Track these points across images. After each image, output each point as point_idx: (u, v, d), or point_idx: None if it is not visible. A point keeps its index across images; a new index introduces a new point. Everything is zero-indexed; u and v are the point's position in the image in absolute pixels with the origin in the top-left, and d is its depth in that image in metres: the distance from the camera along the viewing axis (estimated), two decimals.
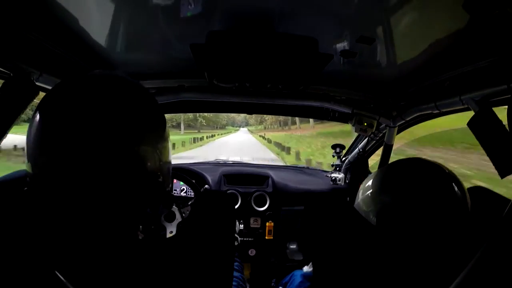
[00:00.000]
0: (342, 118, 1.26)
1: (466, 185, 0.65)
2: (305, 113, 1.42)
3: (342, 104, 1.13)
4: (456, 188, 0.62)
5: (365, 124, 1.16)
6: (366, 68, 0.87)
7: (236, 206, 1.55)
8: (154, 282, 0.41)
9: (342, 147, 1.67)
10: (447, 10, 0.52)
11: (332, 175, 1.67)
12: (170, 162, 0.52)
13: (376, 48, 0.70)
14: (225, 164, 1.93)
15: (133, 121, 0.43)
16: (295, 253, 1.57)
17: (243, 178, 1.65)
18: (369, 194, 0.70)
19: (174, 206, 1.16)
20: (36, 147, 0.41)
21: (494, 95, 0.64)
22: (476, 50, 0.64)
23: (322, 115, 1.30)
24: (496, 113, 0.64)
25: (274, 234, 1.57)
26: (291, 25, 0.63)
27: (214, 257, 0.49)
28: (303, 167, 2.10)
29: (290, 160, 12.82)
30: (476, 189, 0.70)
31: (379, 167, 1.32)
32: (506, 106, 0.57)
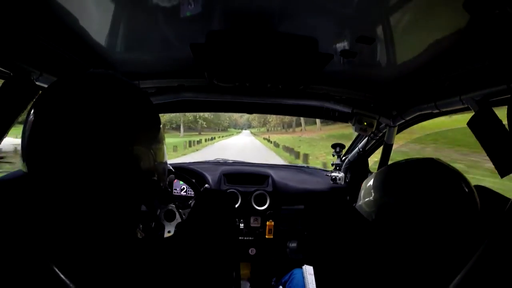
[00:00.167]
0: (342, 117, 1.26)
1: None
2: (305, 113, 1.42)
3: (342, 103, 1.13)
4: (466, 189, 0.59)
5: (365, 123, 1.17)
6: (366, 68, 0.87)
7: (236, 205, 1.55)
8: (150, 281, 0.42)
9: (342, 146, 1.67)
10: (447, 9, 0.52)
11: (332, 174, 1.67)
12: (165, 162, 0.52)
13: (376, 48, 0.70)
14: (225, 163, 1.93)
15: (127, 121, 0.43)
16: (295, 252, 1.58)
17: (243, 178, 1.65)
18: (372, 195, 0.69)
19: (172, 205, 1.16)
20: (31, 147, 0.41)
21: (494, 95, 0.64)
22: (476, 50, 0.64)
23: (322, 115, 1.30)
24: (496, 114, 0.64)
25: (274, 233, 1.57)
26: (291, 25, 0.63)
27: (213, 257, 0.50)
28: (303, 166, 2.10)
29: None
30: (477, 189, 0.70)
31: (379, 167, 1.32)
32: (505, 106, 0.57)
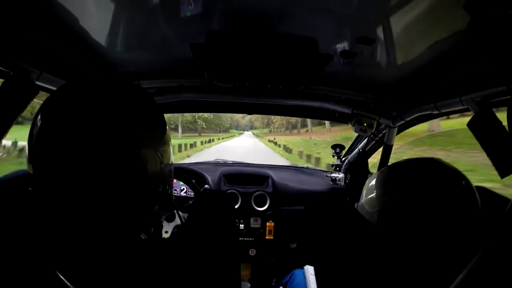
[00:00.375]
0: (342, 118, 1.26)
1: None
2: (305, 113, 1.42)
3: (342, 104, 1.13)
4: (467, 188, 0.60)
5: (365, 124, 1.17)
6: (366, 69, 0.87)
7: (236, 206, 1.55)
8: (152, 282, 0.41)
9: (342, 147, 1.67)
10: (447, 10, 0.52)
11: (332, 175, 1.67)
12: (171, 164, 0.53)
13: (376, 49, 0.70)
14: (225, 164, 1.93)
15: (135, 125, 0.44)
16: (296, 253, 1.57)
17: (243, 178, 1.65)
18: (374, 195, 0.69)
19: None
20: (38, 150, 0.41)
21: (494, 96, 0.64)
22: (476, 51, 0.64)
23: (322, 116, 1.30)
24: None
25: (275, 234, 1.57)
26: (291, 25, 0.63)
27: (213, 258, 0.49)
28: (303, 167, 2.10)
29: None
30: (477, 190, 0.70)
31: (379, 168, 1.32)
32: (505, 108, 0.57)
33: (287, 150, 15.56)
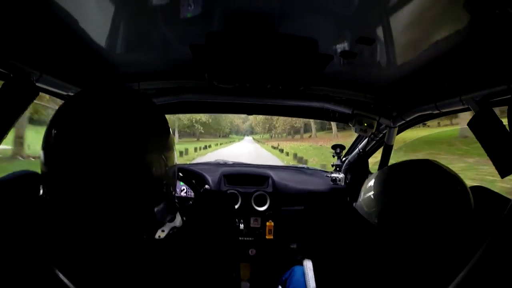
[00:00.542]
0: (342, 118, 1.26)
1: None
2: (306, 114, 1.42)
3: (342, 104, 1.13)
4: (460, 189, 0.62)
5: (365, 124, 1.17)
6: (366, 69, 0.87)
7: (236, 206, 1.55)
8: (152, 282, 0.42)
9: (342, 147, 1.67)
10: (447, 10, 0.52)
11: (332, 175, 1.67)
12: (175, 165, 0.55)
13: (376, 49, 0.70)
14: (225, 164, 1.93)
15: (144, 132, 0.46)
16: (296, 253, 1.57)
17: (243, 178, 1.65)
18: (372, 195, 0.70)
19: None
20: (55, 152, 0.43)
21: (494, 95, 0.64)
22: (476, 51, 0.64)
23: (322, 116, 1.30)
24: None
25: (274, 233, 1.57)
26: (291, 26, 0.63)
27: (213, 258, 0.50)
28: (303, 167, 2.10)
29: None
30: (477, 189, 0.70)
31: (379, 168, 1.32)
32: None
33: (300, 160, 11.86)
